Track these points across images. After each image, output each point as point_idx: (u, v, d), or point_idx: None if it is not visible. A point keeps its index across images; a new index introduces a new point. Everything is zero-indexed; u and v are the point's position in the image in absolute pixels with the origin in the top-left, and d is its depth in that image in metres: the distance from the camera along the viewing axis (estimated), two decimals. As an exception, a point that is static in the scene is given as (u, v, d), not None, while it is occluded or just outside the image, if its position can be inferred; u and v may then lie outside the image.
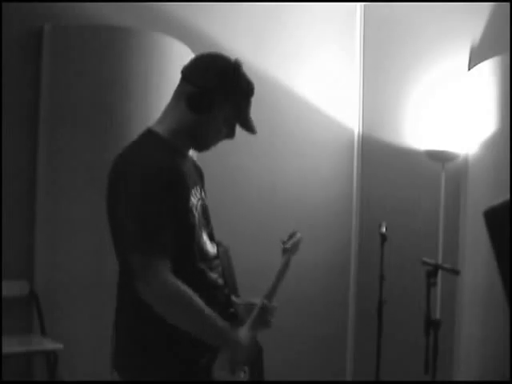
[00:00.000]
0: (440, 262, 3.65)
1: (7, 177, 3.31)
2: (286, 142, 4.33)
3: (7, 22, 3.30)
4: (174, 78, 3.72)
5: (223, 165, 3.82)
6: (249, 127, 1.90)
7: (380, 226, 3.58)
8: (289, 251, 2.16)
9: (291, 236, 2.21)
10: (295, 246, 2.19)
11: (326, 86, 4.61)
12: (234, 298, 2.07)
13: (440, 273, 3.14)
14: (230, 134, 1.91)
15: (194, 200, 1.84)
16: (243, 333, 1.87)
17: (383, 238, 3.55)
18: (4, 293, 3.23)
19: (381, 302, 3.57)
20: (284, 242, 2.17)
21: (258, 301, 2.03)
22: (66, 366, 3.22)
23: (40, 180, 3.36)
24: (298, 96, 4.44)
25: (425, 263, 3.13)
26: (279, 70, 4.30)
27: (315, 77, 4.55)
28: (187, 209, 1.79)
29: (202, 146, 1.92)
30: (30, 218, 3.36)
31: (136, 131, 3.41)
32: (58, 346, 3.13)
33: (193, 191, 1.84)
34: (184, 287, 1.71)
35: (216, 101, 1.82)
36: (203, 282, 1.83)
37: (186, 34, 3.79)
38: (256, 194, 4.19)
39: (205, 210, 1.92)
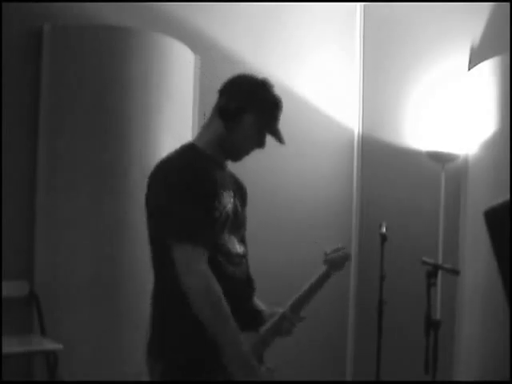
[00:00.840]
0: (440, 261, 3.65)
1: (7, 177, 3.31)
2: (286, 142, 4.33)
3: (7, 21, 3.30)
4: (174, 78, 3.75)
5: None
6: (277, 137, 2.15)
7: (380, 226, 3.58)
8: (329, 263, 2.16)
9: (336, 250, 2.20)
10: (337, 261, 2.18)
11: (326, 86, 4.61)
12: (260, 305, 2.14)
13: (440, 273, 3.14)
14: (261, 144, 2.11)
15: (224, 200, 1.99)
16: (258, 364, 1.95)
17: (383, 237, 3.55)
18: (4, 293, 3.23)
19: (381, 301, 3.56)
20: (326, 254, 2.18)
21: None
22: (66, 366, 3.22)
23: (40, 180, 3.36)
24: (298, 96, 4.44)
25: (425, 263, 3.12)
26: (279, 70, 4.30)
27: (315, 77, 4.55)
28: (213, 206, 1.94)
29: (233, 156, 2.10)
30: (29, 218, 3.36)
31: (136, 131, 3.45)
32: (58, 346, 3.13)
33: (224, 193, 2.00)
34: (218, 284, 1.86)
35: (243, 109, 2.03)
36: (220, 272, 1.92)
37: (186, 34, 3.79)
38: (256, 193, 4.16)
39: (237, 214, 2.07)
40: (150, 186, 2.00)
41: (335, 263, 2.17)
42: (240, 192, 2.18)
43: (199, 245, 1.87)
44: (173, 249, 1.88)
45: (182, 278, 1.85)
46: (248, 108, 2.03)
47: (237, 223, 2.07)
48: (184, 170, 1.92)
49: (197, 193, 1.90)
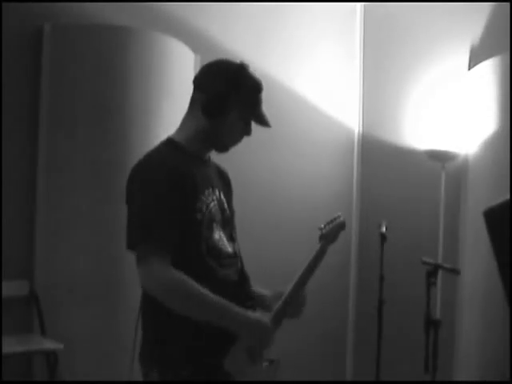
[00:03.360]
0: (440, 261, 3.65)
1: (7, 177, 3.31)
2: (286, 142, 4.33)
3: (7, 21, 3.30)
4: (173, 78, 3.75)
5: (223, 165, 3.82)
6: (263, 121, 2.01)
7: (380, 226, 3.58)
8: (325, 238, 2.12)
9: (331, 221, 2.17)
10: (332, 233, 2.15)
11: (326, 85, 4.61)
12: (260, 290, 2.11)
13: (440, 273, 3.14)
14: (247, 131, 2.02)
15: (206, 200, 1.93)
16: (263, 316, 1.93)
17: (383, 238, 3.55)
18: (4, 293, 3.23)
19: (381, 301, 3.57)
20: (321, 228, 2.14)
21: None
22: (66, 366, 3.22)
23: (40, 180, 3.36)
24: (298, 96, 4.44)
25: (425, 263, 3.13)
26: (279, 70, 4.30)
27: (315, 77, 4.55)
28: (194, 207, 1.88)
29: (221, 148, 2.03)
30: (29, 218, 3.36)
31: (136, 131, 3.45)
32: (58, 346, 3.13)
33: (206, 192, 1.94)
34: (184, 277, 1.79)
35: (228, 103, 1.94)
36: (212, 277, 1.88)
37: (185, 34, 3.79)
38: (256, 194, 4.19)
39: (223, 211, 2.01)
40: (127, 187, 1.93)
41: (330, 236, 2.14)
42: (225, 186, 2.12)
43: (158, 248, 1.79)
44: (135, 252, 1.83)
45: (141, 280, 1.81)
46: (232, 100, 1.93)
47: (224, 220, 2.02)
48: (161, 172, 1.84)
49: (171, 195, 1.82)
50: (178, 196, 1.84)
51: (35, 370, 3.31)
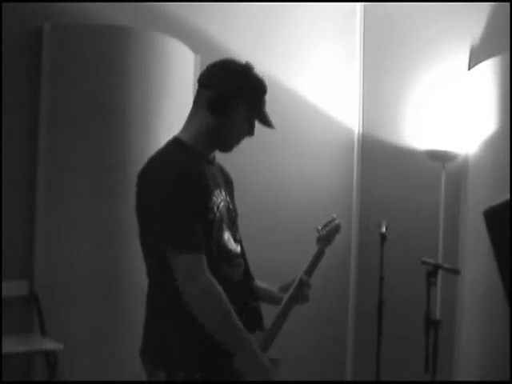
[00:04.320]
0: (440, 261, 3.65)
1: (7, 177, 3.31)
2: (286, 142, 4.33)
3: (7, 21, 3.30)
4: (174, 78, 3.75)
5: (223, 164, 3.82)
6: (267, 122, 2.01)
7: (380, 226, 3.58)
8: (322, 241, 2.16)
9: (327, 223, 2.20)
10: (329, 235, 2.18)
11: (326, 85, 4.61)
12: (266, 285, 2.14)
13: (440, 273, 3.14)
14: (250, 132, 2.02)
15: (217, 200, 1.93)
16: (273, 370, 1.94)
17: (383, 237, 3.55)
18: (4, 293, 3.24)
19: (381, 301, 3.57)
20: (319, 231, 2.17)
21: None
22: (66, 366, 3.22)
23: (40, 180, 3.36)
24: (298, 96, 4.44)
25: (425, 263, 3.13)
26: (279, 70, 4.30)
27: (315, 77, 4.55)
28: (208, 207, 1.89)
29: (225, 147, 2.02)
30: (29, 218, 3.36)
31: (136, 131, 3.44)
32: (58, 346, 3.13)
33: (216, 192, 1.94)
34: (221, 289, 1.81)
35: (234, 102, 1.94)
36: (218, 276, 1.87)
37: (186, 34, 3.79)
38: (255, 194, 4.19)
39: (229, 211, 2.02)
40: (140, 190, 1.91)
41: (326, 239, 2.18)
42: (229, 186, 2.12)
43: (199, 252, 1.80)
44: (170, 258, 1.80)
45: (185, 288, 1.78)
46: (239, 99, 1.94)
47: (231, 221, 2.02)
48: (176, 173, 1.83)
49: (191, 197, 1.83)
50: (196, 196, 1.84)
51: (35, 370, 3.31)
